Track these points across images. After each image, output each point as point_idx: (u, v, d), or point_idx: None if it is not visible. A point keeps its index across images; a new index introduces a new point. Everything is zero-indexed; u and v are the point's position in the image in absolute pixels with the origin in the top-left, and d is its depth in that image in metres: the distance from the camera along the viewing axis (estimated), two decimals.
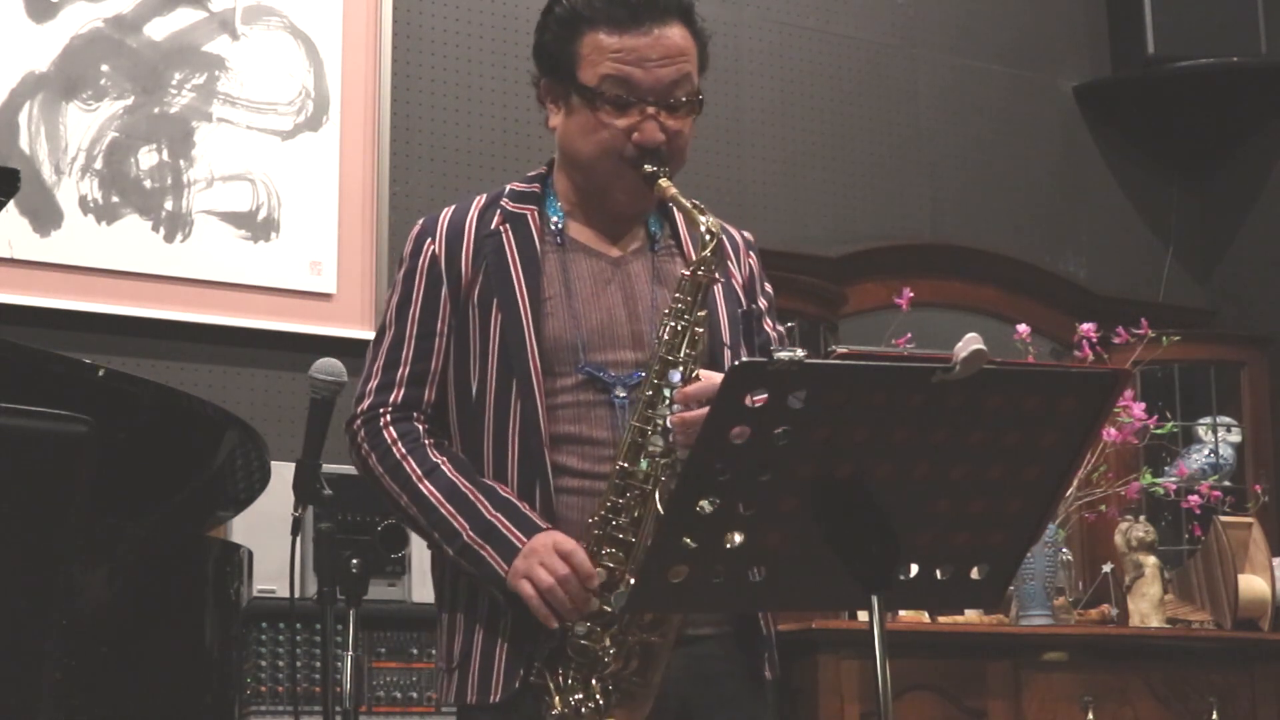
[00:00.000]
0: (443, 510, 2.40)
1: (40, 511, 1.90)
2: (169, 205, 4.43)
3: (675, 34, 2.45)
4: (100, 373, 2.84)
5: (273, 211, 4.54)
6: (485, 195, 2.57)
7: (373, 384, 2.50)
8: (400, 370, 2.48)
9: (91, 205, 4.36)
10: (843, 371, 1.94)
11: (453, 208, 2.56)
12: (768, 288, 2.65)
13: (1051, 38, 5.85)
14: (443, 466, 2.42)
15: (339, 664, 2.67)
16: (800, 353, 1.88)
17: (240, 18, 4.59)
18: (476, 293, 2.46)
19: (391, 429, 2.46)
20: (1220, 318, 5.88)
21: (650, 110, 2.42)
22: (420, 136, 4.77)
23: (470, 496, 2.39)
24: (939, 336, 3.71)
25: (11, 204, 3.97)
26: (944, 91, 5.65)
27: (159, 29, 4.49)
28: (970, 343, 1.90)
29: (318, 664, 3.81)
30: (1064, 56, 5.86)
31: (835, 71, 5.47)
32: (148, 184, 4.42)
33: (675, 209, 2.51)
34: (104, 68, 4.42)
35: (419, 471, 2.43)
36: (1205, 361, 5.54)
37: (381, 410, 2.47)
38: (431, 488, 2.41)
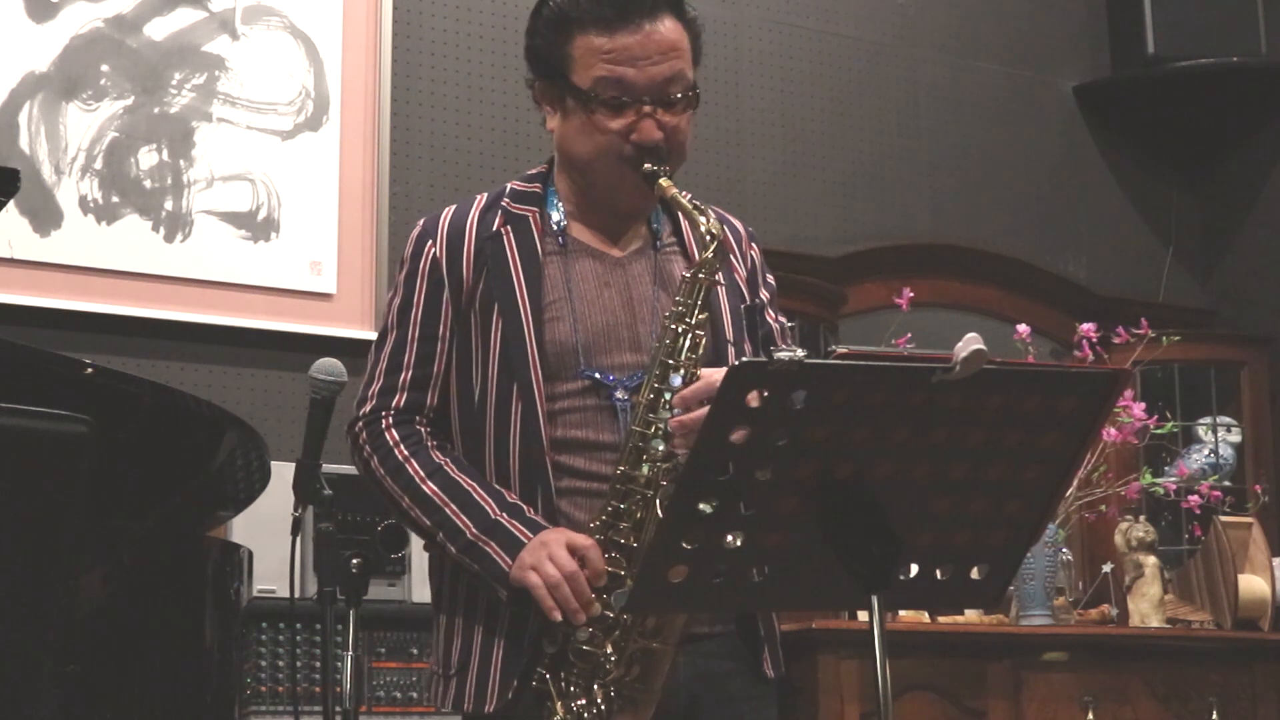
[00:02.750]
0: (447, 510, 2.38)
1: (40, 511, 1.90)
2: (169, 205, 4.43)
3: (666, 28, 2.41)
4: (89, 369, 2.83)
5: (273, 211, 4.54)
6: (486, 195, 2.54)
7: (375, 387, 2.48)
8: (403, 375, 2.46)
9: (91, 205, 4.35)
10: (843, 371, 1.94)
11: (453, 208, 2.53)
12: (769, 278, 2.63)
13: (1051, 38, 5.85)
14: (446, 468, 2.41)
15: (339, 664, 2.67)
16: (800, 352, 1.88)
17: (240, 18, 4.58)
18: (478, 297, 2.44)
19: (394, 431, 2.45)
20: (1220, 318, 5.88)
21: (646, 109, 2.39)
22: (420, 136, 4.77)
23: (475, 496, 2.38)
24: (939, 336, 3.71)
25: (11, 204, 3.97)
26: (944, 91, 5.64)
27: (159, 29, 4.49)
28: (970, 343, 1.90)
29: (318, 664, 3.80)
30: (1064, 56, 5.86)
31: (835, 71, 5.46)
32: (148, 184, 4.42)
33: (676, 208, 2.49)
34: (104, 68, 4.42)
35: (422, 473, 2.41)
36: (1205, 361, 5.54)
37: (384, 414, 2.46)
38: (435, 488, 2.40)
